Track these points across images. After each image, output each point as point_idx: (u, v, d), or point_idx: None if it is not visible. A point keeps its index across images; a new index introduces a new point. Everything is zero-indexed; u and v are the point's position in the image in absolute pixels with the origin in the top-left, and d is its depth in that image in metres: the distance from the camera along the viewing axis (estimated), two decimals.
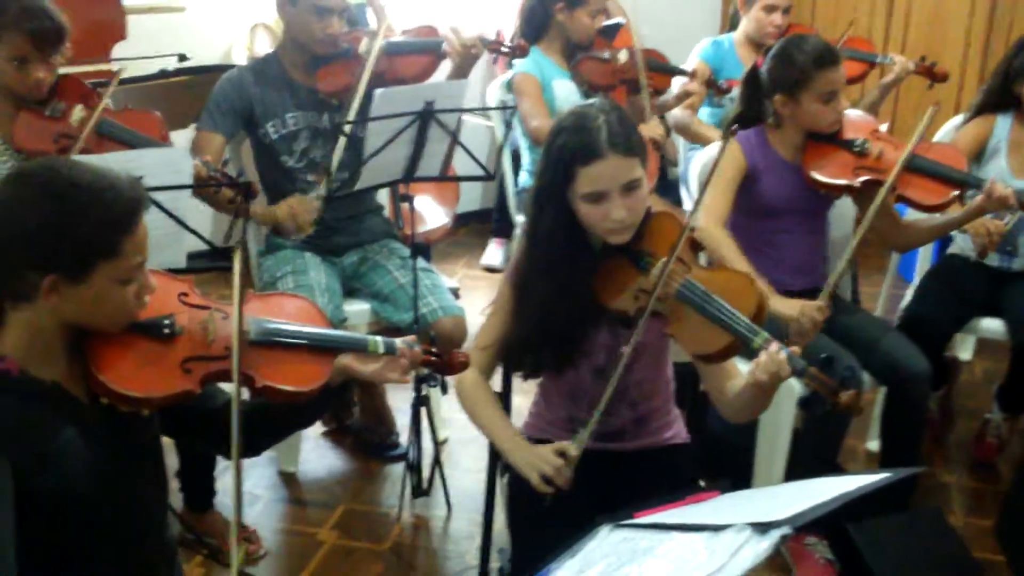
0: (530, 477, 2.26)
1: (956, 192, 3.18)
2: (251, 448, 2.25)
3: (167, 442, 2.18)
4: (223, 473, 3.28)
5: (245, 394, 2.02)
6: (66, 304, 1.83)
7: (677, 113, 4.41)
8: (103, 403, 1.92)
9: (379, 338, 2.20)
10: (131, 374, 1.92)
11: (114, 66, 3.12)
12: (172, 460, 3.28)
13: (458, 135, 3.28)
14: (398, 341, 2.20)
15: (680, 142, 4.82)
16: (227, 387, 2.10)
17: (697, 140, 4.40)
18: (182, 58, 4.02)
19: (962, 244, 3.66)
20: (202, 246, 2.92)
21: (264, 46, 4.75)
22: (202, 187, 2.91)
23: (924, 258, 3.97)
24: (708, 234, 3.06)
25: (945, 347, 3.68)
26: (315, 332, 2.16)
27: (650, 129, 4.01)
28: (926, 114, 3.14)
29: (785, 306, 2.99)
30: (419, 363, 2.22)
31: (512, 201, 4.56)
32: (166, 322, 1.98)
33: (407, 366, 2.18)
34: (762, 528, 1.55)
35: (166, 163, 2.74)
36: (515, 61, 4.00)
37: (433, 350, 2.29)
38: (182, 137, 3.48)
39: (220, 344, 2.02)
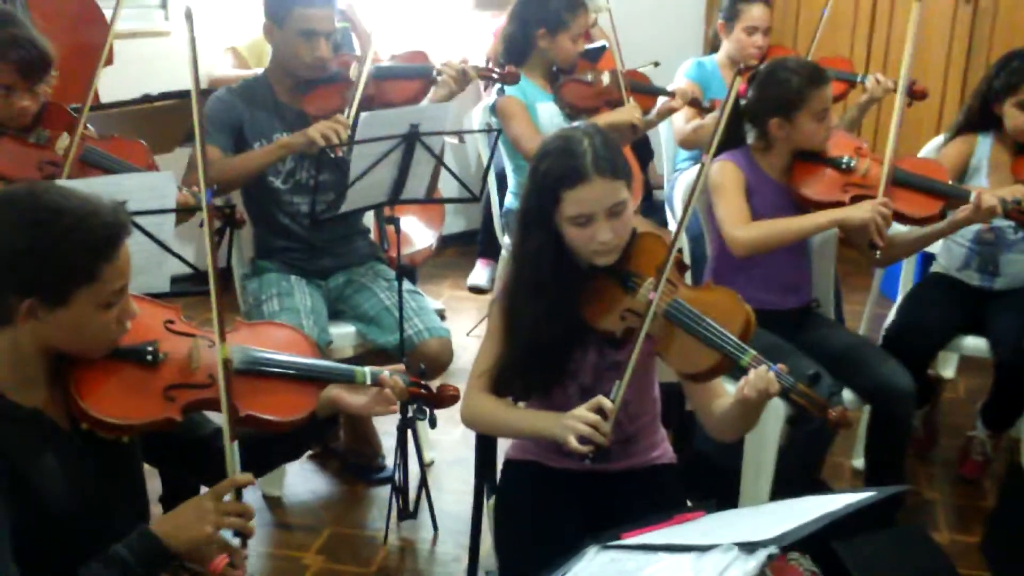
0: (567, 441, 2.19)
1: (942, 204, 3.22)
2: None
3: (150, 468, 2.18)
4: None
5: None
6: (45, 328, 1.82)
7: (685, 129, 4.41)
8: (84, 429, 1.91)
9: (367, 369, 2.20)
10: (112, 400, 1.91)
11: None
12: (156, 485, 3.27)
13: (442, 157, 3.29)
14: (385, 371, 2.20)
15: (664, 165, 4.84)
16: (213, 416, 2.10)
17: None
18: (147, 98, 4.03)
19: (945, 263, 3.69)
20: (186, 270, 2.92)
21: (226, 69, 4.76)
22: (184, 211, 2.91)
23: (907, 276, 3.99)
24: (754, 237, 3.12)
25: (929, 364, 3.69)
26: (301, 362, 2.15)
27: (628, 112, 4.02)
28: (893, 116, 3.24)
29: (856, 211, 3.12)
30: (406, 396, 2.21)
31: (498, 223, 4.57)
32: (149, 349, 1.98)
33: (392, 399, 2.17)
34: (749, 548, 1.56)
35: (149, 187, 2.74)
36: (506, 88, 4.01)
37: (423, 383, 2.29)
38: (168, 161, 3.48)
39: (204, 372, 2.02)
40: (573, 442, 2.19)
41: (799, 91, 3.15)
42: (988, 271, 3.56)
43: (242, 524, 1.89)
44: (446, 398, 2.35)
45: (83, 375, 1.91)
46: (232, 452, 1.93)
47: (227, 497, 1.90)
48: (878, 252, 3.14)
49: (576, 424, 2.19)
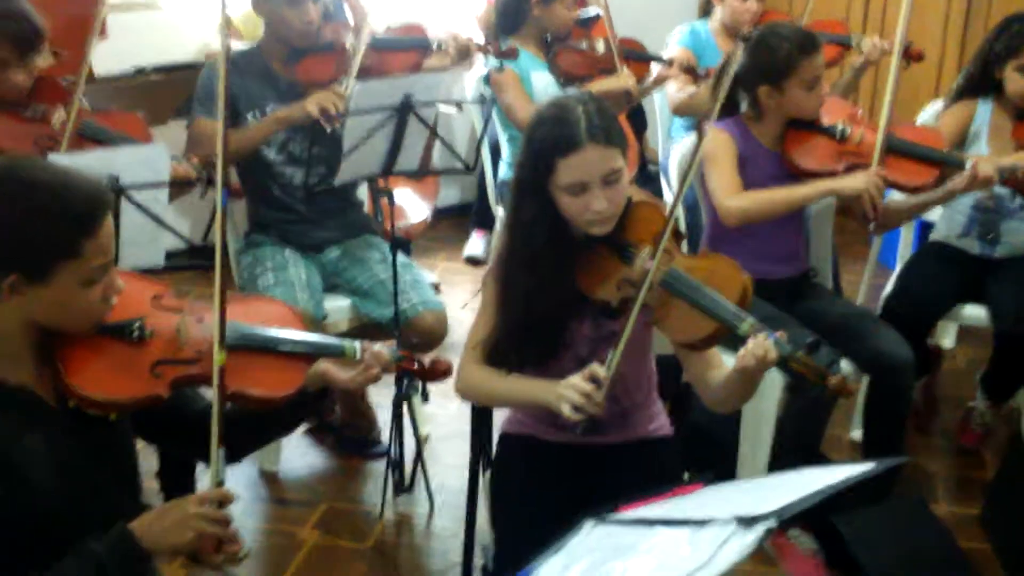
0: (561, 409, 2.17)
1: (937, 171, 3.19)
2: (232, 454, 2.22)
3: (146, 444, 2.16)
4: (204, 474, 3.24)
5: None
6: (29, 305, 1.80)
7: (677, 97, 4.37)
8: (71, 406, 1.89)
9: (356, 343, 2.18)
10: (99, 377, 1.89)
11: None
12: (153, 462, 3.25)
13: (436, 128, 3.26)
14: (376, 346, 2.18)
15: (659, 135, 4.80)
16: (206, 390, 2.07)
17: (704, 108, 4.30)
18: (141, 71, 3.99)
19: (944, 231, 3.65)
20: (181, 244, 2.89)
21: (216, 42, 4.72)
22: (177, 185, 2.88)
23: (905, 246, 3.97)
24: (746, 207, 3.10)
25: (928, 334, 3.67)
26: (289, 337, 2.13)
27: (622, 79, 3.99)
28: (889, 81, 3.22)
29: (850, 181, 3.12)
30: (394, 369, 2.19)
31: (492, 194, 4.54)
32: (136, 325, 1.96)
33: (378, 374, 2.15)
34: (747, 522, 1.53)
35: (142, 161, 2.72)
36: (505, 64, 3.97)
37: (414, 357, 2.27)
38: (162, 133, 3.45)
39: (191, 348, 2.00)
40: (567, 410, 2.16)
41: (788, 59, 3.10)
42: (988, 239, 3.53)
43: (223, 534, 1.86)
44: (438, 372, 2.32)
45: (69, 352, 1.89)
46: (218, 458, 1.90)
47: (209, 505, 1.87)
48: (872, 223, 3.12)
49: (570, 392, 2.17)
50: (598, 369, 2.18)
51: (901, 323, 3.27)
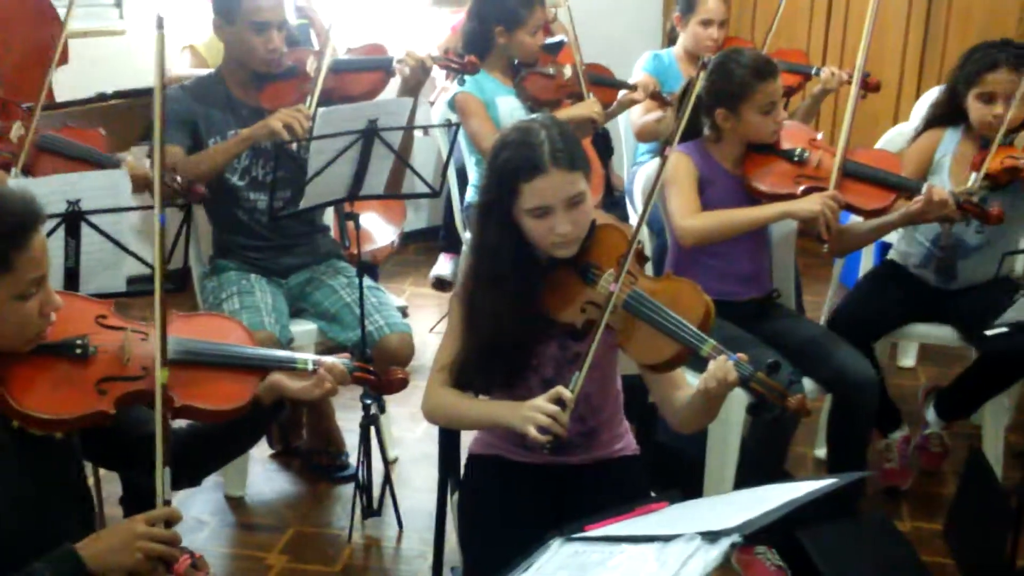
0: (527, 431, 2.18)
1: (894, 196, 3.24)
2: (192, 476, 2.22)
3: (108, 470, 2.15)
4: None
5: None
6: None
7: (640, 121, 4.42)
8: (15, 427, 1.88)
9: (309, 356, 2.19)
10: (42, 395, 1.89)
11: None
12: (116, 488, 3.24)
13: (409, 154, 3.28)
14: (329, 359, 2.19)
15: (625, 159, 4.84)
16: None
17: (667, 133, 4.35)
18: (101, 96, 3.99)
19: (900, 254, 3.68)
20: (144, 270, 2.88)
21: (184, 68, 4.72)
22: (141, 209, 2.88)
23: (866, 267, 4.01)
24: (702, 226, 3.14)
25: (870, 349, 3.66)
26: (237, 351, 2.13)
27: (587, 107, 4.03)
28: (848, 107, 3.27)
29: (805, 203, 3.14)
30: (347, 380, 2.20)
31: (459, 218, 4.56)
32: (79, 342, 1.96)
33: (332, 386, 2.16)
34: (712, 537, 1.56)
35: (103, 186, 2.71)
36: (466, 77, 4.00)
37: (368, 368, 2.27)
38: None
39: (136, 364, 2.00)
40: (533, 432, 2.18)
41: (743, 83, 3.16)
42: (944, 275, 3.55)
43: (169, 553, 1.86)
44: (393, 383, 2.35)
45: (12, 371, 1.89)
46: (164, 478, 1.90)
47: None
48: (825, 245, 3.16)
49: (535, 415, 2.18)
50: (563, 391, 2.20)
51: (845, 332, 3.30)
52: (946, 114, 3.57)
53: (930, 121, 3.62)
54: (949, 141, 3.54)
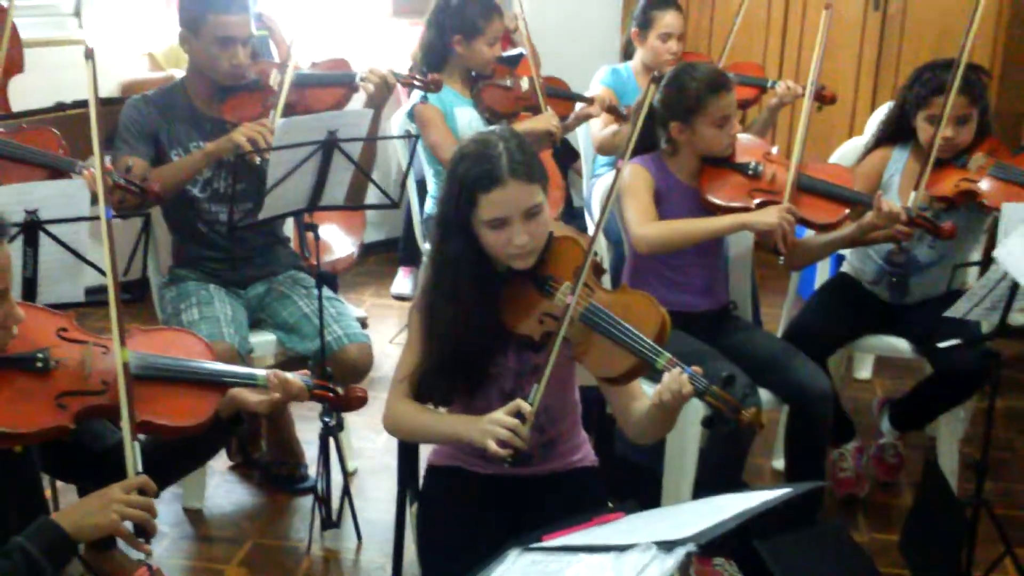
0: (487, 445, 2.19)
1: (847, 210, 3.28)
2: None
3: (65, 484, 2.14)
4: None
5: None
6: None
7: (600, 134, 4.45)
8: None
9: (269, 372, 2.19)
10: (2, 409, 1.88)
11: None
12: (73, 499, 3.21)
13: (372, 165, 3.28)
14: (289, 375, 2.19)
15: (585, 165, 4.87)
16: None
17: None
18: (60, 106, 3.97)
19: (855, 264, 3.73)
20: (102, 280, 2.87)
21: (142, 71, 4.70)
22: (93, 219, 2.87)
23: (822, 278, 4.05)
24: (656, 234, 3.16)
25: (825, 361, 3.70)
26: (199, 366, 2.13)
27: (545, 120, 4.06)
28: (801, 120, 3.30)
29: (762, 216, 3.17)
30: (304, 397, 2.21)
31: (419, 229, 4.56)
32: (39, 356, 1.95)
33: (282, 398, 2.17)
34: (667, 546, 1.57)
35: (62, 195, 2.70)
36: (429, 96, 4.02)
37: (328, 385, 2.28)
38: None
39: (97, 378, 1.99)
40: (492, 446, 2.19)
41: (697, 97, 3.19)
42: (897, 291, 3.60)
43: (145, 518, 1.87)
44: (353, 400, 2.36)
45: None
46: (133, 451, 1.90)
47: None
48: (781, 258, 3.19)
49: (495, 428, 2.20)
50: (522, 404, 2.22)
51: (801, 345, 3.33)
52: (895, 132, 3.62)
53: (879, 139, 3.67)
54: (898, 159, 3.59)
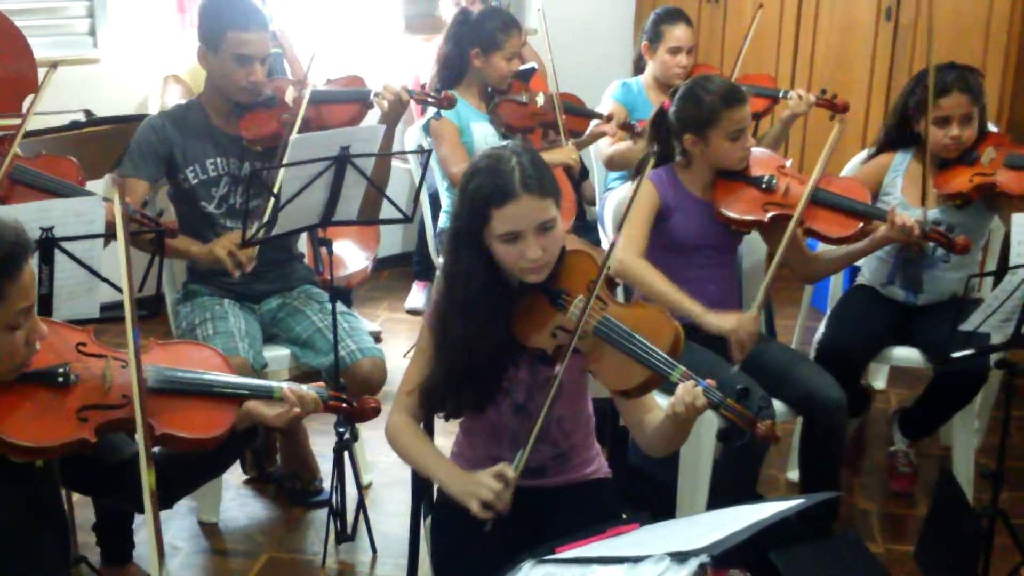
0: (469, 505, 2.23)
1: (861, 224, 3.29)
2: (163, 499, 2.23)
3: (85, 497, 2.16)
4: (142, 526, 3.22)
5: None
6: None
7: (610, 150, 4.47)
8: None
9: (284, 384, 2.20)
10: (23, 424, 1.90)
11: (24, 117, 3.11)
12: (90, 514, 3.23)
13: (386, 181, 3.30)
14: (302, 387, 2.20)
15: (597, 182, 4.88)
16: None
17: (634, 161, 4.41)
18: (88, 114, 3.99)
19: (869, 276, 3.75)
20: (117, 296, 2.88)
21: (175, 97, 4.73)
22: (110, 236, 2.89)
23: (836, 289, 4.06)
24: (628, 265, 3.14)
25: (860, 376, 3.75)
26: (217, 379, 2.15)
27: (565, 154, 4.08)
28: (827, 143, 3.26)
29: (722, 320, 3.11)
30: (320, 409, 2.23)
31: (432, 244, 4.58)
32: (60, 371, 1.97)
33: (300, 412, 2.18)
34: (680, 557, 1.58)
35: (78, 212, 2.71)
36: (442, 112, 4.04)
37: (344, 397, 2.29)
38: (98, 188, 3.44)
39: (117, 392, 2.01)
40: (475, 507, 2.23)
41: (712, 110, 3.20)
42: (912, 287, 3.62)
43: None
44: (367, 411, 2.37)
45: None
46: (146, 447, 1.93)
47: None
48: (732, 363, 3.13)
49: (479, 490, 2.23)
50: (506, 469, 2.25)
51: (834, 366, 3.33)
52: (897, 137, 3.65)
53: (883, 144, 3.70)
54: (899, 162, 3.64)
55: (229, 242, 3.33)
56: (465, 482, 2.28)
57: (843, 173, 3.89)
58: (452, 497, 2.30)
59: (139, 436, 1.94)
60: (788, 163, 3.45)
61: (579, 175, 5.31)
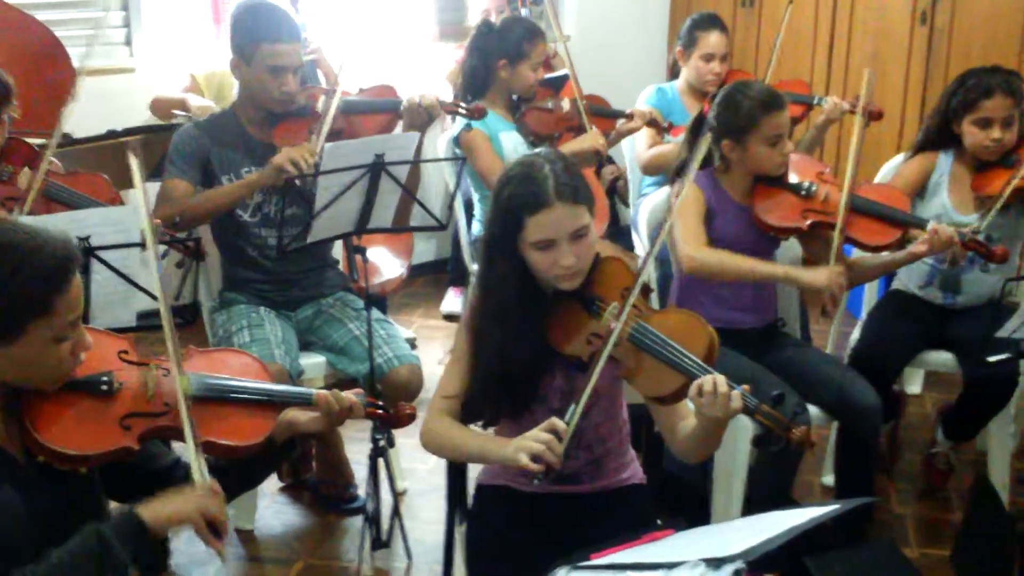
0: (519, 460, 2.17)
1: (900, 233, 3.27)
2: None
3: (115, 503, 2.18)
4: (175, 534, 3.24)
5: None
6: (0, 364, 1.82)
7: (648, 153, 4.46)
8: (40, 462, 1.91)
9: (323, 392, 2.22)
10: (68, 432, 1.92)
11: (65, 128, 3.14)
12: None
13: (416, 188, 3.31)
14: (342, 394, 2.22)
15: (631, 186, 4.88)
16: (175, 445, 2.10)
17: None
18: (111, 133, 4.04)
19: (905, 280, 3.73)
20: (154, 305, 2.91)
21: (176, 90, 4.76)
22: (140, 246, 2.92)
23: (871, 294, 4.03)
24: (703, 259, 3.16)
25: (895, 381, 3.73)
26: (257, 387, 2.16)
27: (591, 139, 4.08)
28: (853, 141, 3.29)
29: (814, 275, 3.16)
30: (361, 415, 2.24)
31: (466, 250, 4.59)
32: (104, 379, 1.99)
33: (337, 416, 2.20)
34: (715, 563, 1.58)
35: (113, 222, 2.74)
36: (473, 124, 4.06)
37: (379, 403, 2.30)
38: (133, 196, 3.48)
39: (159, 400, 2.03)
40: (524, 460, 2.17)
41: (750, 115, 3.19)
42: (950, 290, 3.61)
43: (219, 516, 1.93)
44: (403, 417, 2.38)
45: (38, 407, 1.92)
46: (200, 464, 1.94)
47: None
48: (825, 314, 3.18)
49: (528, 443, 2.18)
50: (557, 422, 2.21)
51: (869, 371, 3.32)
52: (937, 138, 3.63)
53: (922, 145, 3.68)
54: (943, 164, 3.62)
55: (288, 151, 3.27)
56: (516, 441, 2.22)
57: (879, 177, 3.87)
58: (504, 463, 2.25)
59: (188, 445, 1.96)
60: (827, 169, 3.44)
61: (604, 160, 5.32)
